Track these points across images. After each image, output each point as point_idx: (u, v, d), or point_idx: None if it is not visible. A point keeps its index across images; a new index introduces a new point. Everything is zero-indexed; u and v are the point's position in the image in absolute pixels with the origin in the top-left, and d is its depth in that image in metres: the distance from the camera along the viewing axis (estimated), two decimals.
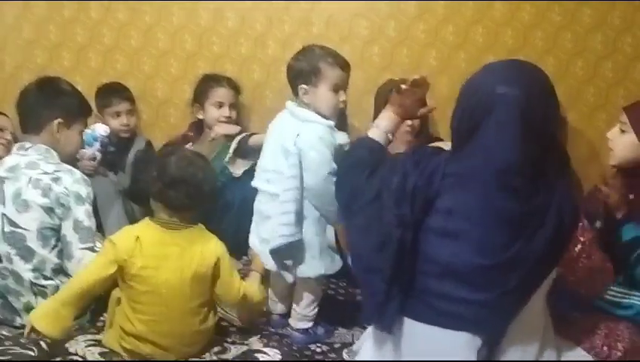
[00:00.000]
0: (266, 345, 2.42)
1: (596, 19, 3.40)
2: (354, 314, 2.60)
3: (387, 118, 2.20)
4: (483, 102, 1.77)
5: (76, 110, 2.63)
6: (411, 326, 1.85)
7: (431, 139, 3.00)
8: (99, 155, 3.10)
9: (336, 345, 2.47)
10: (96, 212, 2.58)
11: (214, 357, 2.33)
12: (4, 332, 2.43)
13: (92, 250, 2.43)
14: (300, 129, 2.39)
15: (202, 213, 2.38)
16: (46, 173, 2.45)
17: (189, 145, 3.17)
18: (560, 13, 3.40)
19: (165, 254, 2.23)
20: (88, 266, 2.27)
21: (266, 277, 2.53)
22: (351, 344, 2.44)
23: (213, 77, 3.36)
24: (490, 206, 1.75)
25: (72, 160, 2.68)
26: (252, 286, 2.40)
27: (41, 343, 2.32)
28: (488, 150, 1.76)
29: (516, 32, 3.43)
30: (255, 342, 2.45)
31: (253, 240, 2.54)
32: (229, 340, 2.45)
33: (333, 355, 2.40)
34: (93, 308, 2.49)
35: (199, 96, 3.33)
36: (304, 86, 2.42)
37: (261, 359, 2.32)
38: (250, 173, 2.75)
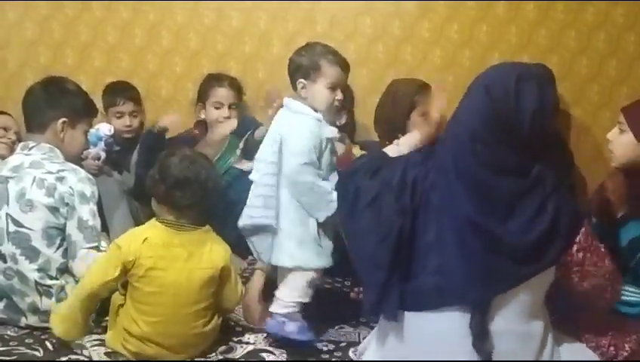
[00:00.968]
0: (271, 345, 2.42)
1: (600, 18, 3.41)
2: (360, 312, 2.59)
3: (411, 142, 2.25)
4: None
5: (81, 110, 2.63)
6: (409, 318, 1.89)
7: None
8: (103, 155, 3.09)
9: (343, 344, 2.46)
10: (101, 211, 2.57)
11: (220, 357, 2.33)
12: (9, 333, 2.43)
13: (97, 249, 2.43)
14: (289, 119, 2.44)
15: (207, 213, 2.38)
16: (50, 172, 2.44)
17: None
18: (563, 12, 3.40)
19: (174, 255, 2.23)
20: (93, 270, 2.26)
21: (272, 275, 2.53)
22: (357, 343, 2.44)
23: (216, 76, 3.35)
24: (467, 174, 1.81)
25: (76, 160, 2.68)
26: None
27: (47, 343, 2.32)
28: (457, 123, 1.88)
29: (520, 31, 3.43)
30: (261, 342, 2.45)
31: None
32: (235, 339, 2.45)
33: (339, 354, 2.40)
34: (99, 307, 2.49)
35: (201, 95, 3.33)
36: (302, 80, 2.46)
37: (267, 358, 2.32)
38: None
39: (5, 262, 2.43)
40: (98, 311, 2.46)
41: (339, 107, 2.56)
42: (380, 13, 3.45)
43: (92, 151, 3.04)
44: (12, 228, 2.41)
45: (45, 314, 2.41)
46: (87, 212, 2.44)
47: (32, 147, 2.51)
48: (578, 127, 3.46)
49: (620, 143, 2.34)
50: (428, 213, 1.86)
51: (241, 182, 2.94)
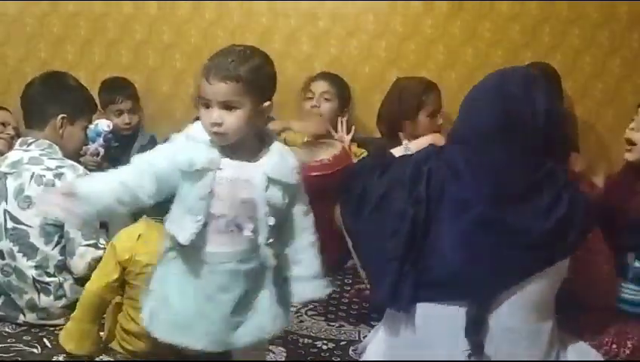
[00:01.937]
0: (271, 343, 2.40)
1: (603, 15, 3.39)
2: (360, 311, 2.59)
3: (422, 146, 2.25)
4: None
5: (80, 106, 2.62)
6: (420, 309, 1.86)
7: None
8: (102, 151, 3.08)
9: (343, 343, 2.45)
10: None
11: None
12: (7, 330, 2.42)
13: (95, 246, 2.42)
14: None
15: None
16: (49, 168, 2.42)
17: None
18: (567, 9, 3.39)
19: None
20: (95, 276, 2.24)
21: None
22: (357, 341, 2.42)
23: None
24: (479, 173, 1.81)
25: (75, 156, 2.67)
26: None
27: (45, 340, 2.31)
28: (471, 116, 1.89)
29: (523, 28, 3.42)
30: None
31: None
32: None
33: (339, 353, 2.39)
34: None
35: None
36: None
37: (267, 358, 2.30)
38: None
39: (3, 258, 2.42)
40: None
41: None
42: (383, 10, 3.43)
43: (91, 147, 3.03)
44: (10, 224, 2.40)
45: (43, 311, 2.41)
46: None
47: (31, 143, 2.49)
48: (581, 125, 3.45)
49: None
50: (441, 204, 1.84)
51: None
